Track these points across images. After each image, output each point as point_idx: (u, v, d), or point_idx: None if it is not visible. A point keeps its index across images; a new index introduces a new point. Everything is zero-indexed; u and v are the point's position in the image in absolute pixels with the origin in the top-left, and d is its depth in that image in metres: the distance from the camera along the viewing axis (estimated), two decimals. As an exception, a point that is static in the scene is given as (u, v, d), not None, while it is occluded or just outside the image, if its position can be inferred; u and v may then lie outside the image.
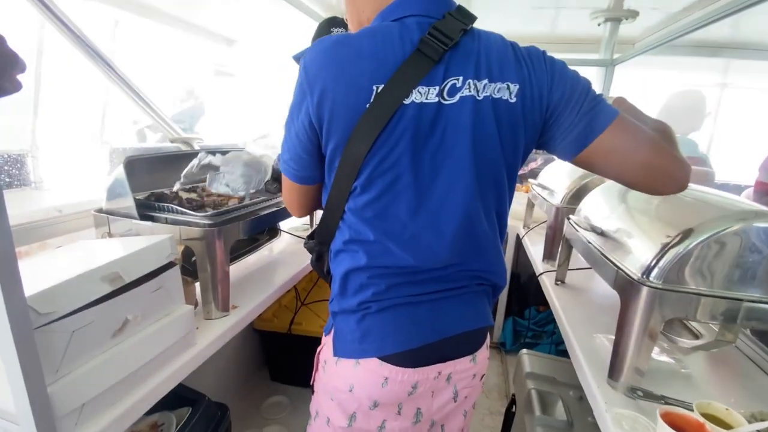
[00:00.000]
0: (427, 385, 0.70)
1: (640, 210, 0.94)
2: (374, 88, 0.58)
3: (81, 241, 0.89)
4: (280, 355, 1.83)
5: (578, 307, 1.11)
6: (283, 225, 1.55)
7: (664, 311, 0.71)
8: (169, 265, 0.76)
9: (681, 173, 0.65)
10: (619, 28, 2.19)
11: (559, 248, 1.33)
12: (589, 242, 0.96)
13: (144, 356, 0.70)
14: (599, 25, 2.19)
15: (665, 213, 0.85)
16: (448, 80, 0.61)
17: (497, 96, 0.62)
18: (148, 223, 0.91)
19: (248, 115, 3.80)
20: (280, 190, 0.94)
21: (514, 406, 1.23)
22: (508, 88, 0.63)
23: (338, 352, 0.70)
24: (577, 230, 1.05)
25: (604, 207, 1.04)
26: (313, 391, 0.81)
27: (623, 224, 0.89)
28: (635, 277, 0.73)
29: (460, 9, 0.64)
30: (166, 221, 0.92)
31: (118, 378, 0.66)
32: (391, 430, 0.71)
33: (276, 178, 1.06)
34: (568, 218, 1.16)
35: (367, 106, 0.58)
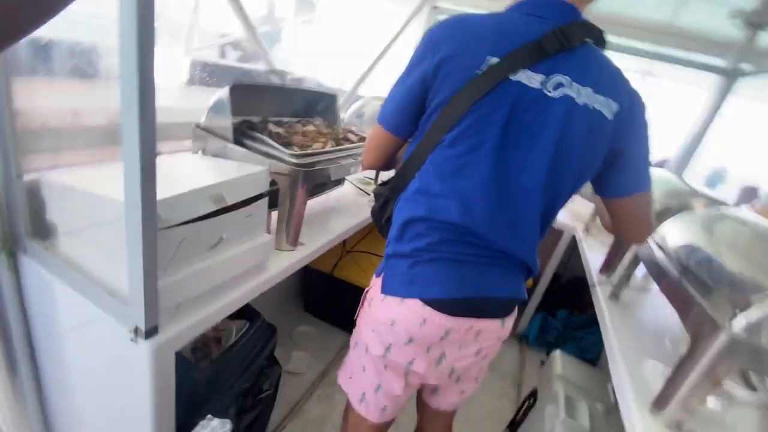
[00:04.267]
0: (458, 335, 0.76)
1: (732, 247, 0.88)
2: (488, 59, 0.65)
3: (183, 154, 0.95)
4: (317, 292, 1.96)
5: (629, 327, 1.09)
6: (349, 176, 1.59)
7: (736, 361, 0.69)
8: (261, 195, 0.81)
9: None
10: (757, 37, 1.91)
11: (622, 263, 1.28)
12: (668, 269, 0.92)
13: (229, 272, 0.78)
14: (736, 27, 1.92)
15: (763, 258, 0.79)
16: (555, 75, 0.66)
17: (596, 108, 0.68)
18: (242, 150, 0.96)
19: (325, 51, 3.75)
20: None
21: (532, 399, 1.27)
22: (609, 105, 0.68)
23: (386, 290, 0.78)
24: (655, 252, 1.00)
25: (692, 236, 0.98)
26: (354, 325, 0.90)
27: (714, 260, 0.84)
28: (718, 321, 0.70)
29: (587, 23, 0.69)
30: (257, 151, 0.97)
31: (207, 286, 0.73)
32: (418, 367, 0.79)
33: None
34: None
35: (478, 72, 0.65)
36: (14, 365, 0.88)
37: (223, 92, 0.96)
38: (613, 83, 0.70)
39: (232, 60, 3.44)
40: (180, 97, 2.54)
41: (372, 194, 0.87)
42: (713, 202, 1.32)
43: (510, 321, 0.83)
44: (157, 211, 0.58)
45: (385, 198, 0.83)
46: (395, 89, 0.75)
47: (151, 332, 0.65)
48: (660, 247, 1.02)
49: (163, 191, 0.62)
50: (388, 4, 2.84)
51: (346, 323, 0.93)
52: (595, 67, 0.68)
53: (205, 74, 2.69)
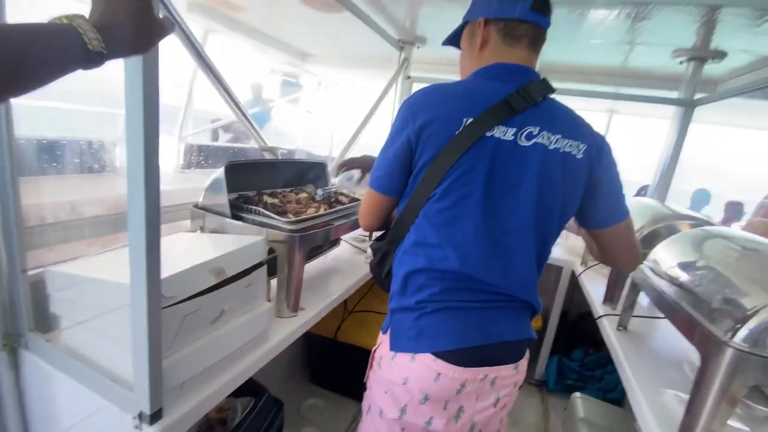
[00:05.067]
0: (474, 386, 0.75)
1: (723, 263, 0.90)
2: (464, 120, 0.73)
3: (181, 234, 0.99)
4: (322, 360, 1.89)
5: (642, 357, 1.07)
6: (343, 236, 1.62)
7: (748, 377, 0.68)
8: (259, 264, 0.83)
9: (640, 261, 0.99)
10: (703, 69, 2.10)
11: (624, 292, 1.28)
12: (664, 292, 0.93)
13: (231, 345, 0.77)
14: (681, 63, 2.11)
15: (753, 270, 0.81)
16: (526, 128, 0.74)
17: (567, 150, 0.76)
18: (239, 223, 1.00)
19: (311, 124, 4.01)
20: None
21: (560, 450, 1.19)
22: (578, 146, 0.76)
23: (395, 347, 0.78)
24: (650, 277, 1.02)
25: (682, 256, 1.00)
26: (365, 388, 0.87)
27: (707, 278, 0.85)
28: (720, 337, 0.70)
29: (544, 80, 0.79)
30: (253, 222, 1.01)
31: (211, 362, 0.73)
32: (437, 425, 0.76)
33: None
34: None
35: (456, 132, 0.73)
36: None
37: (218, 172, 1.03)
38: (579, 128, 0.78)
39: (224, 141, 3.65)
40: (176, 180, 2.66)
41: (369, 250, 0.90)
42: (698, 222, 1.36)
43: (523, 364, 0.83)
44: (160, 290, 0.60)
45: (384, 252, 0.86)
46: (382, 155, 0.82)
47: (155, 416, 0.63)
48: (654, 271, 1.04)
49: (164, 271, 0.64)
50: (364, 78, 3.10)
51: (357, 391, 0.90)
52: (560, 116, 0.77)
53: (200, 157, 2.84)
